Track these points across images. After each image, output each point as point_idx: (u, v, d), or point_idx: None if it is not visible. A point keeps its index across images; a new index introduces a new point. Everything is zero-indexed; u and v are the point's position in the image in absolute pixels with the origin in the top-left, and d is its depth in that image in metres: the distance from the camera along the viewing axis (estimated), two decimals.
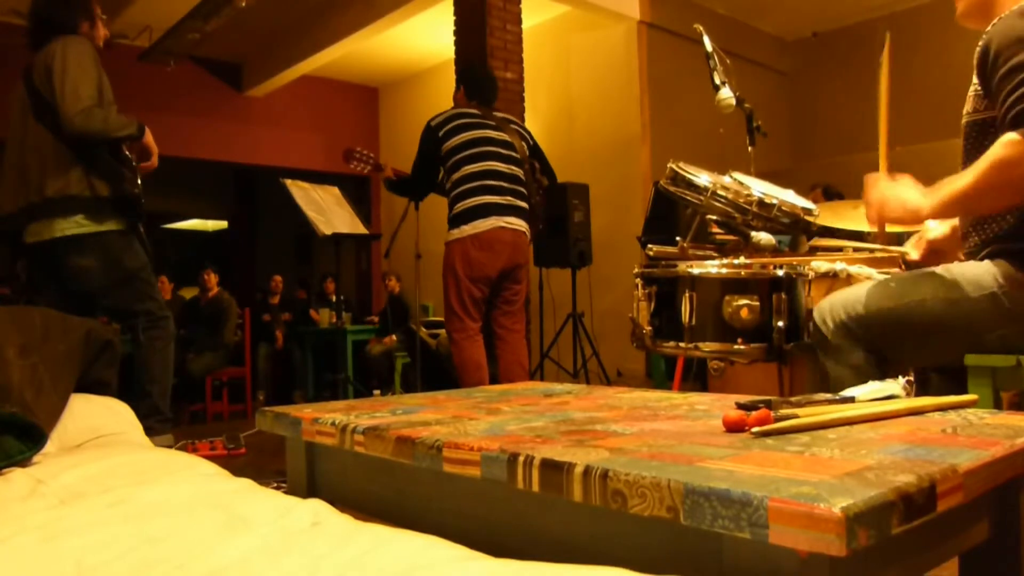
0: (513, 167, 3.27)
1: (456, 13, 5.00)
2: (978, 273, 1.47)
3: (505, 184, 3.21)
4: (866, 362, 1.51)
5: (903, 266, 1.88)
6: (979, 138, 1.47)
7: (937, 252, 1.76)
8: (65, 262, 2.69)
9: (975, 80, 1.49)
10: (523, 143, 3.37)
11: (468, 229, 3.14)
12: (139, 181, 2.77)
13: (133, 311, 2.80)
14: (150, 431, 2.68)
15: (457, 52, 4.97)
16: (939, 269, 1.52)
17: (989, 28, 1.43)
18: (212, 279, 5.93)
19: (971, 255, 1.56)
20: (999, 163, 1.34)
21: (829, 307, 1.57)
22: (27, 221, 2.70)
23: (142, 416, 2.69)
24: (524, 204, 3.28)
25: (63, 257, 2.68)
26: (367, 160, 3.55)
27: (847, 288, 1.60)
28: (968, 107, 1.52)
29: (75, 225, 2.65)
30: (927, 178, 1.59)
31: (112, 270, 2.73)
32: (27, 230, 2.71)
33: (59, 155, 2.64)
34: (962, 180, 1.41)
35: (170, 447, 2.72)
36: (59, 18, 2.74)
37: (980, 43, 1.44)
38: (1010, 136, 1.34)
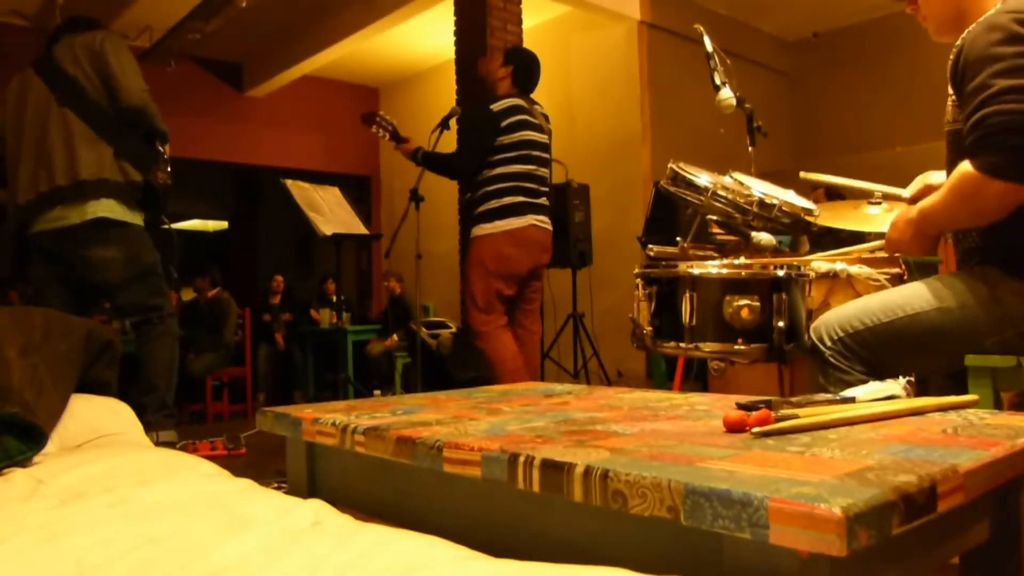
0: (546, 170, 3.26)
1: (456, 13, 5.01)
2: (969, 282, 1.49)
3: (540, 187, 3.21)
4: (863, 381, 1.51)
5: (903, 267, 1.88)
6: (960, 146, 1.48)
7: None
8: (88, 251, 2.69)
9: (950, 90, 1.50)
10: None
11: (503, 224, 3.09)
12: (169, 169, 2.88)
13: (148, 306, 2.83)
14: (156, 425, 2.70)
15: (457, 52, 4.97)
16: (931, 280, 1.54)
17: (960, 40, 1.45)
18: (205, 283, 5.93)
19: (968, 255, 1.57)
20: (958, 192, 1.41)
21: (825, 325, 1.57)
22: (48, 207, 2.69)
23: (150, 411, 2.71)
24: (548, 204, 3.28)
25: (86, 246, 2.69)
26: (386, 127, 3.36)
27: (842, 306, 1.61)
28: (948, 116, 1.54)
29: (107, 209, 2.68)
30: None
31: (132, 264, 2.76)
32: (45, 216, 2.70)
33: (89, 138, 2.69)
34: (934, 201, 1.48)
35: (174, 443, 2.73)
36: (96, 23, 2.88)
37: (952, 54, 1.46)
38: (965, 168, 1.38)
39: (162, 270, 2.89)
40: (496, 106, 3.15)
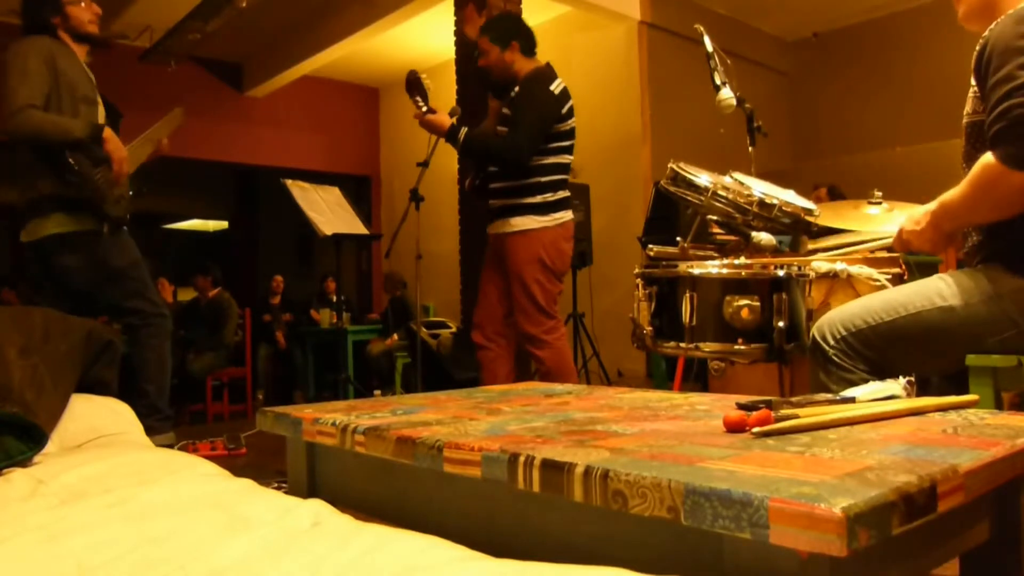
0: None
1: (456, 13, 5.00)
2: (971, 279, 1.49)
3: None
4: (866, 380, 1.51)
5: (903, 266, 1.88)
6: (979, 139, 1.48)
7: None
8: (52, 261, 2.70)
9: (973, 82, 1.49)
10: None
11: (558, 218, 2.88)
12: (92, 186, 2.64)
13: (125, 309, 2.79)
14: (150, 430, 2.69)
15: (457, 52, 4.97)
16: (934, 279, 1.54)
17: (987, 31, 1.44)
18: (206, 282, 5.92)
19: (970, 255, 1.57)
20: (979, 184, 1.40)
21: (828, 324, 1.57)
22: (24, 219, 2.73)
23: (141, 416, 2.70)
24: None
25: (50, 256, 2.70)
26: (425, 97, 2.99)
27: (844, 305, 1.60)
28: (968, 108, 1.54)
29: (56, 224, 2.66)
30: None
31: (98, 269, 2.72)
32: (24, 228, 2.74)
33: (30, 157, 2.66)
34: (953, 194, 1.47)
35: (171, 445, 2.73)
36: (28, 19, 2.72)
37: (978, 45, 1.46)
38: (988, 159, 1.38)
39: (146, 274, 2.83)
40: (555, 87, 2.86)
